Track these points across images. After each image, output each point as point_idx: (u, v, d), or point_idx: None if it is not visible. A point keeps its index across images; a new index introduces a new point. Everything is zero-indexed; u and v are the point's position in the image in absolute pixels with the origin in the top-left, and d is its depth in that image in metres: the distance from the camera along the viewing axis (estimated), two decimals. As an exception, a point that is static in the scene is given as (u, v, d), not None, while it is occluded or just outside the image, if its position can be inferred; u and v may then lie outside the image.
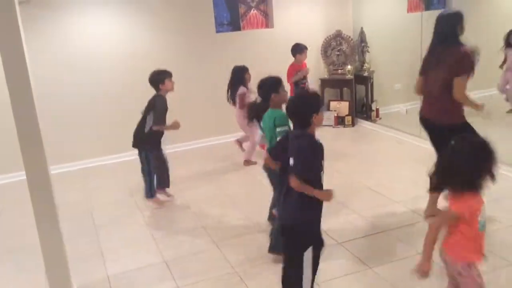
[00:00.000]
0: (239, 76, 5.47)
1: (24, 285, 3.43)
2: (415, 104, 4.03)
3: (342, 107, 7.03)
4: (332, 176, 4.24)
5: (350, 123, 6.96)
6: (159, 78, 4.32)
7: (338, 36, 7.00)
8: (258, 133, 5.01)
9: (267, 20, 6.81)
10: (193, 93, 6.26)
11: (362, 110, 7.21)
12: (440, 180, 2.28)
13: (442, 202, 3.79)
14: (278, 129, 3.28)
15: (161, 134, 4.43)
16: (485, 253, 2.30)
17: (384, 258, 3.35)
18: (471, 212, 2.17)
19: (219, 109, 6.22)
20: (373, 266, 3.26)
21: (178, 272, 3.40)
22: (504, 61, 6.27)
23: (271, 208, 3.77)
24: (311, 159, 2.48)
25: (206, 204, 4.59)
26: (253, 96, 4.60)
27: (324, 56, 7.06)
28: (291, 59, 6.00)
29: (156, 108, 4.30)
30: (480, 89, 5.91)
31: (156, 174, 4.54)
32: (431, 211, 3.82)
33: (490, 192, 2.29)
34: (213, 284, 3.23)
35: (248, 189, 4.94)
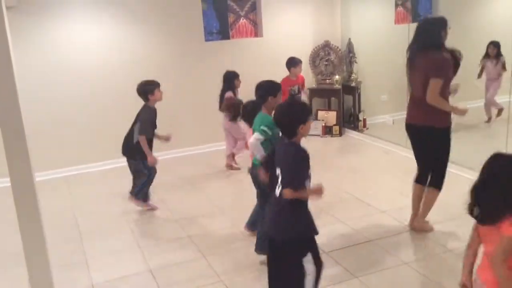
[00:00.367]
0: (228, 80, 5.49)
1: (6, 294, 3.38)
2: (401, 115, 4.07)
3: (329, 116, 7.07)
4: (319, 185, 4.24)
5: (338, 133, 7.00)
6: (148, 89, 4.31)
7: (326, 46, 7.06)
8: (246, 133, 4.97)
9: (256, 29, 6.85)
10: (181, 101, 6.25)
11: (350, 120, 7.26)
12: (495, 208, 1.89)
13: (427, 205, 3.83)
14: (262, 127, 3.27)
15: (150, 143, 4.41)
16: None
17: (370, 268, 3.36)
18: None
19: (207, 117, 6.23)
20: (359, 276, 3.26)
21: (163, 281, 3.37)
22: (481, 72, 6.51)
23: (254, 218, 3.78)
24: (297, 169, 2.49)
25: (193, 212, 4.56)
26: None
27: (313, 66, 7.11)
28: (280, 68, 6.04)
29: (142, 119, 4.30)
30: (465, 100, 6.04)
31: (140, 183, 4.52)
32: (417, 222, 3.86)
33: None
34: (198, 293, 3.21)
35: (235, 197, 4.94)
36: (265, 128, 3.27)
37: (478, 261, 2.09)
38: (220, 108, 5.47)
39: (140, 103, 4.40)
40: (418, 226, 3.86)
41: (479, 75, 6.55)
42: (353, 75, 7.12)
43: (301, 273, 2.53)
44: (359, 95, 7.10)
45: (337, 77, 7.02)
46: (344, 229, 4.00)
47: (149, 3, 6.01)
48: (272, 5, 6.70)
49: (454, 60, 3.54)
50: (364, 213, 4.31)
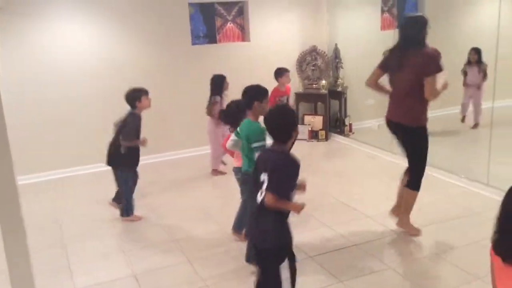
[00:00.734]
0: (216, 84, 5.48)
1: (-13, 299, 3.32)
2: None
3: (316, 121, 7.10)
4: (305, 189, 4.25)
5: (324, 137, 7.04)
6: (135, 96, 4.27)
7: (313, 51, 7.10)
8: (224, 139, 4.94)
9: (243, 34, 6.86)
10: (167, 105, 6.22)
11: (336, 124, 7.30)
12: None
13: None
14: (254, 145, 3.25)
15: (137, 152, 4.36)
16: None
17: (355, 272, 3.37)
18: None
19: (193, 121, 6.21)
20: (344, 280, 3.27)
21: (147, 286, 3.34)
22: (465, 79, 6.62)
23: (240, 221, 3.78)
24: (286, 178, 2.48)
25: (179, 216, 4.54)
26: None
27: (299, 71, 7.14)
28: (267, 73, 6.05)
29: (128, 125, 4.25)
30: (444, 107, 6.18)
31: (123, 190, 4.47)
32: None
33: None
34: (183, 298, 3.20)
35: (222, 202, 4.92)
36: (258, 145, 3.21)
37: None
38: (208, 113, 5.47)
39: (126, 107, 4.36)
40: (405, 226, 3.88)
41: (464, 83, 6.65)
42: (339, 80, 7.17)
43: (279, 280, 2.52)
44: (345, 100, 7.15)
45: (323, 82, 7.06)
46: (329, 233, 4.01)
47: (137, 6, 5.98)
48: (260, 9, 6.72)
49: None
50: (350, 217, 4.32)
